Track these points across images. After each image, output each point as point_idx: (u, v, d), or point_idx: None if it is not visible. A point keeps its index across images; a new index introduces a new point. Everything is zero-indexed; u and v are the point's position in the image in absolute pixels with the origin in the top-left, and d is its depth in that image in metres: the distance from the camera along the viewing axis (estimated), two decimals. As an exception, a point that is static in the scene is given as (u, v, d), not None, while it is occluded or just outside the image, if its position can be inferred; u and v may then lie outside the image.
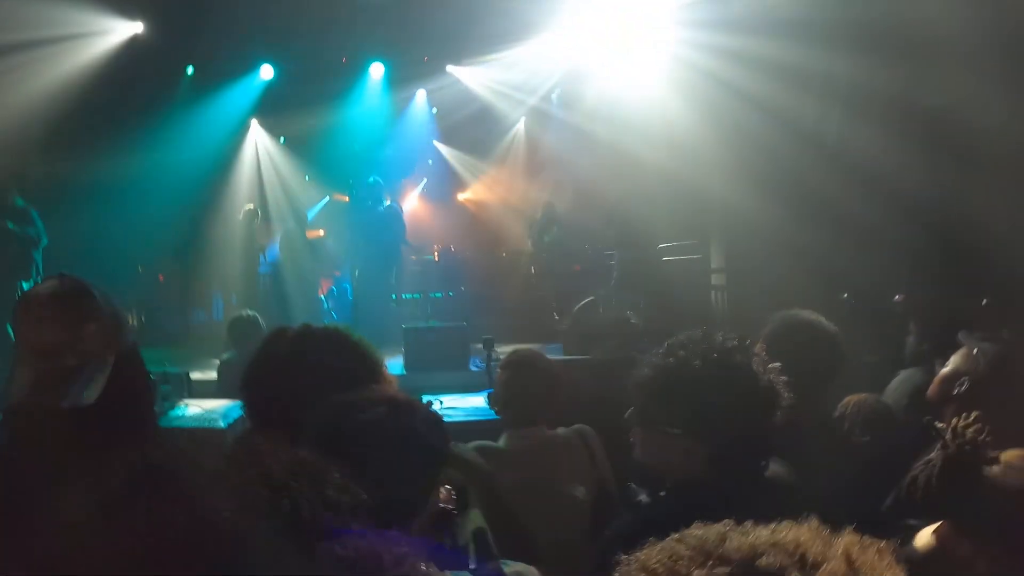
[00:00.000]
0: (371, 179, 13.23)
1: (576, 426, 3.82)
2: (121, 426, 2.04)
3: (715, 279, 12.74)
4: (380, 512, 1.88)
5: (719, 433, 2.23)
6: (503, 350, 7.74)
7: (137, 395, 2.23)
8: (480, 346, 8.51)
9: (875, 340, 8.53)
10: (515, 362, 3.87)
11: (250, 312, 7.81)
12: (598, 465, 3.69)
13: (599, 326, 9.81)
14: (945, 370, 3.34)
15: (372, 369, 2.70)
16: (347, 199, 14.31)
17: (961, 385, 3.20)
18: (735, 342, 2.38)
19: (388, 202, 13.28)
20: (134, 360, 2.23)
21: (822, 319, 3.42)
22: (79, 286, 2.15)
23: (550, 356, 7.14)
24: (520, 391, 3.73)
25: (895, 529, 2.66)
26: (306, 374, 2.51)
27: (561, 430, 3.79)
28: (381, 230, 12.48)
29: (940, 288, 9.06)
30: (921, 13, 8.28)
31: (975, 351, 3.26)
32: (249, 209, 13.79)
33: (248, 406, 2.66)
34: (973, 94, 8.54)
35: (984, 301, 7.75)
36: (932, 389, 3.40)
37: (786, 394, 2.44)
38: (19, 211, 9.76)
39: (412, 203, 18.81)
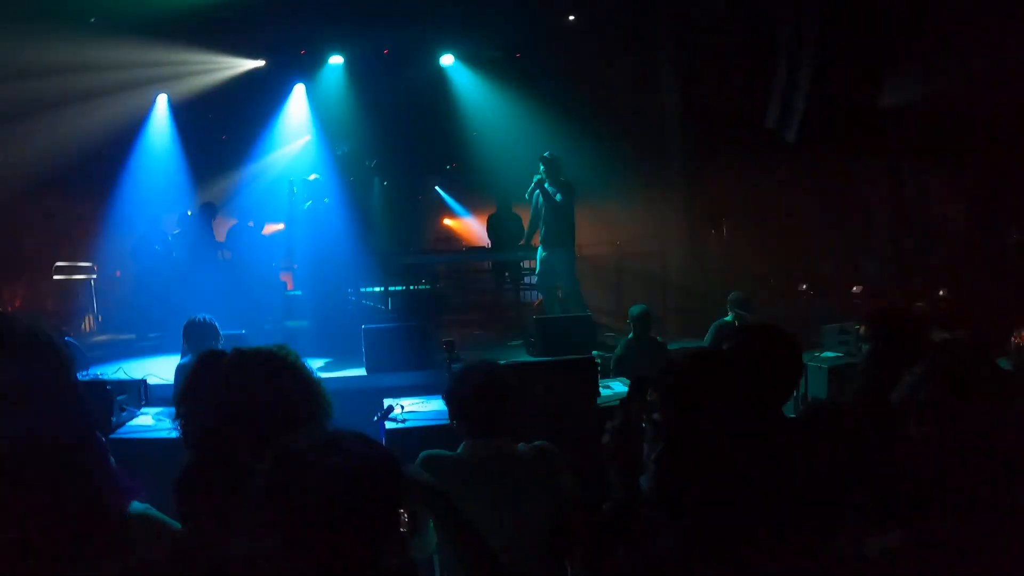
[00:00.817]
0: (311, 177, 13.09)
1: (538, 443, 3.77)
2: (49, 463, 1.91)
3: (676, 277, 12.76)
4: (339, 556, 1.86)
5: None
6: (465, 348, 7.75)
7: (73, 430, 2.09)
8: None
9: (835, 335, 8.63)
10: (462, 376, 3.79)
11: (205, 316, 7.68)
12: (560, 483, 3.64)
13: (561, 324, 9.81)
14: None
15: (310, 395, 2.63)
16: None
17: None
18: None
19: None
20: (68, 401, 2.08)
21: (783, 330, 3.41)
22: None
23: (512, 357, 7.19)
24: (474, 404, 3.67)
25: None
26: (240, 406, 2.43)
27: (522, 446, 3.73)
28: (325, 227, 12.31)
29: (896, 281, 9.17)
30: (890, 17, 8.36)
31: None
32: (206, 203, 13.66)
33: (183, 435, 2.58)
34: (934, 93, 8.64)
35: (941, 292, 7.86)
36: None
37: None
38: None
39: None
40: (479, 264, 14.55)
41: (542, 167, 10.88)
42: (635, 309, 8.71)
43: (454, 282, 14.17)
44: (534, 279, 14.38)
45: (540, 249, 11.09)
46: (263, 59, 15.22)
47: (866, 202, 9.71)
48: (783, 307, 10.04)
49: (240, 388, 2.46)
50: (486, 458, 3.58)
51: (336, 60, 15.64)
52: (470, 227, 18.85)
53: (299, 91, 16.28)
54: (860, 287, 9.59)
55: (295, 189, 11.92)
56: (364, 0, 12.89)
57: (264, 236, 14.76)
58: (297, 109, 16.44)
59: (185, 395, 2.58)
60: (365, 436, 2.03)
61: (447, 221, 20.12)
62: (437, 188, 19.90)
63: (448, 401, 3.73)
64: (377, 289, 14.54)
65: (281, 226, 16.17)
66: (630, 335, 8.66)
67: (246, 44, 14.53)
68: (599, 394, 6.74)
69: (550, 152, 11.01)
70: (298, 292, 15.33)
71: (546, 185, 10.79)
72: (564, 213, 10.88)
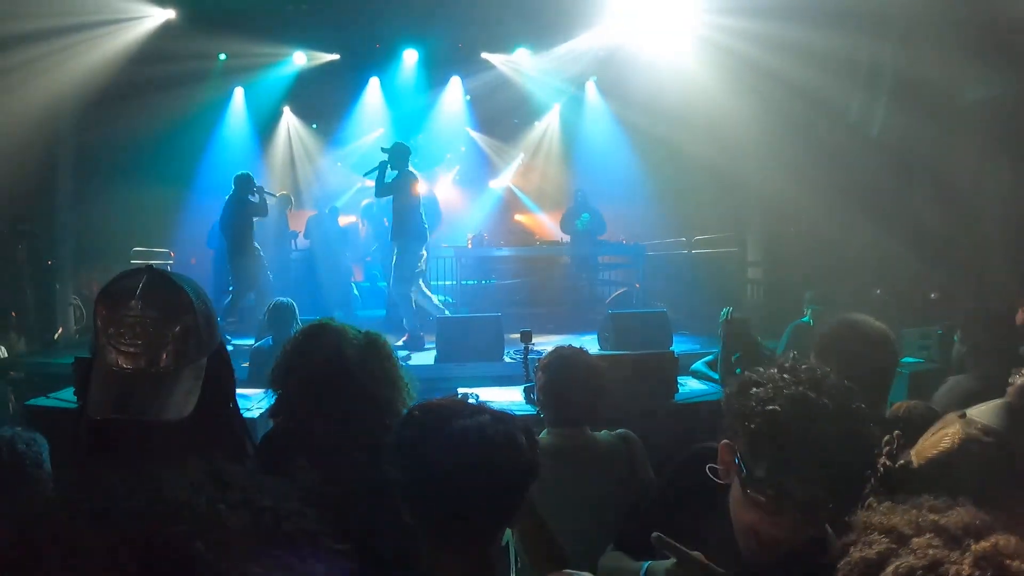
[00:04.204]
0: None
1: (620, 431, 3.69)
2: (207, 432, 1.90)
3: (751, 272, 12.59)
4: (478, 520, 1.86)
5: None
6: (539, 341, 7.67)
7: (225, 398, 2.11)
8: (514, 336, 8.39)
9: (915, 340, 8.38)
10: (556, 362, 3.72)
11: (289, 300, 7.81)
12: (638, 472, 3.56)
13: (636, 319, 9.72)
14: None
15: (395, 381, 2.78)
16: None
17: None
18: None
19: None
20: (223, 360, 2.08)
21: (877, 323, 3.28)
22: (170, 282, 1.93)
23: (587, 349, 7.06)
24: (562, 392, 3.60)
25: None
26: (323, 379, 2.53)
27: (604, 433, 3.66)
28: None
29: (980, 286, 8.90)
30: (966, 6, 8.12)
31: None
32: (283, 195, 13.82)
33: (283, 406, 2.65)
34: (1016, 88, 8.40)
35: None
36: (1014, 400, 3.24)
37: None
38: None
39: (445, 190, 18.76)
40: (554, 258, 14.44)
41: (388, 157, 10.44)
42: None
43: (528, 275, 14.09)
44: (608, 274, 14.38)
45: (390, 241, 10.62)
46: (338, 53, 15.26)
47: (950, 200, 9.42)
48: (859, 311, 9.78)
49: (327, 361, 2.58)
50: (567, 447, 3.52)
51: (411, 54, 15.63)
52: (542, 222, 18.80)
53: (373, 84, 16.35)
54: (938, 293, 9.33)
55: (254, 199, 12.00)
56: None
57: (339, 227, 14.91)
58: (372, 102, 16.54)
59: (287, 364, 2.71)
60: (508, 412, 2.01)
61: (519, 217, 20.07)
62: (511, 184, 19.91)
63: (541, 389, 3.67)
64: (448, 282, 14.62)
65: (354, 218, 16.37)
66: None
67: (322, 38, 14.61)
68: (677, 390, 6.63)
69: (397, 141, 10.75)
70: (367, 283, 15.50)
71: (390, 175, 10.44)
72: (411, 204, 10.42)
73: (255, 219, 11.18)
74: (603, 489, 3.44)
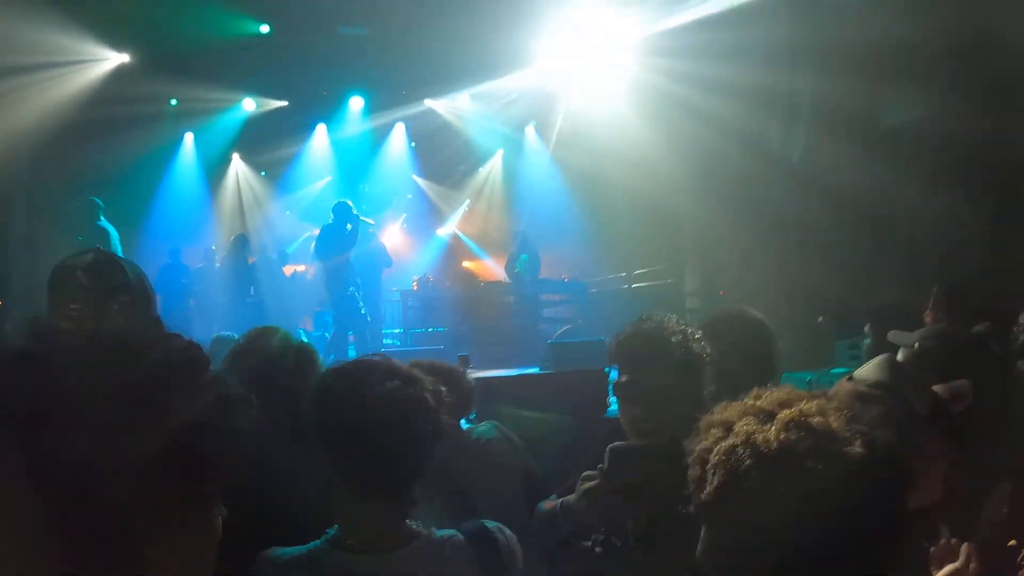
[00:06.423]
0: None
1: (488, 422, 3.86)
2: None
3: (690, 302, 12.89)
4: (390, 477, 2.04)
5: None
6: (486, 373, 7.87)
7: None
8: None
9: (846, 351, 8.65)
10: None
11: (231, 334, 7.87)
12: (519, 453, 3.73)
13: (575, 348, 9.90)
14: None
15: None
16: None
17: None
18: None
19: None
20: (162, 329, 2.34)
21: (754, 312, 3.55)
22: (111, 260, 2.25)
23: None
24: None
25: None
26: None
27: (481, 425, 3.83)
28: (367, 264, 12.64)
29: (916, 300, 9.17)
30: (881, 33, 8.51)
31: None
32: (241, 235, 13.85)
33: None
34: (933, 110, 8.76)
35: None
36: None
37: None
38: None
39: (392, 236, 18.89)
40: (498, 299, 14.66)
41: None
42: None
43: (474, 315, 14.27)
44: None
45: None
46: (286, 99, 15.53)
47: (873, 221, 9.75)
48: (799, 334, 10.01)
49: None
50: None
51: (356, 100, 15.92)
52: (488, 268, 19.00)
53: (320, 131, 16.61)
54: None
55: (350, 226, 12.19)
56: (383, 42, 13.12)
57: (286, 277, 14.96)
58: (319, 148, 16.77)
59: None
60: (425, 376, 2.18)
61: (466, 263, 20.19)
62: (457, 231, 20.09)
63: None
64: (397, 330, 14.79)
65: (303, 268, 16.41)
66: None
67: (271, 84, 14.82)
68: (608, 406, 6.85)
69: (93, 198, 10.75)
70: (317, 332, 15.52)
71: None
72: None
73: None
74: (488, 475, 3.56)
